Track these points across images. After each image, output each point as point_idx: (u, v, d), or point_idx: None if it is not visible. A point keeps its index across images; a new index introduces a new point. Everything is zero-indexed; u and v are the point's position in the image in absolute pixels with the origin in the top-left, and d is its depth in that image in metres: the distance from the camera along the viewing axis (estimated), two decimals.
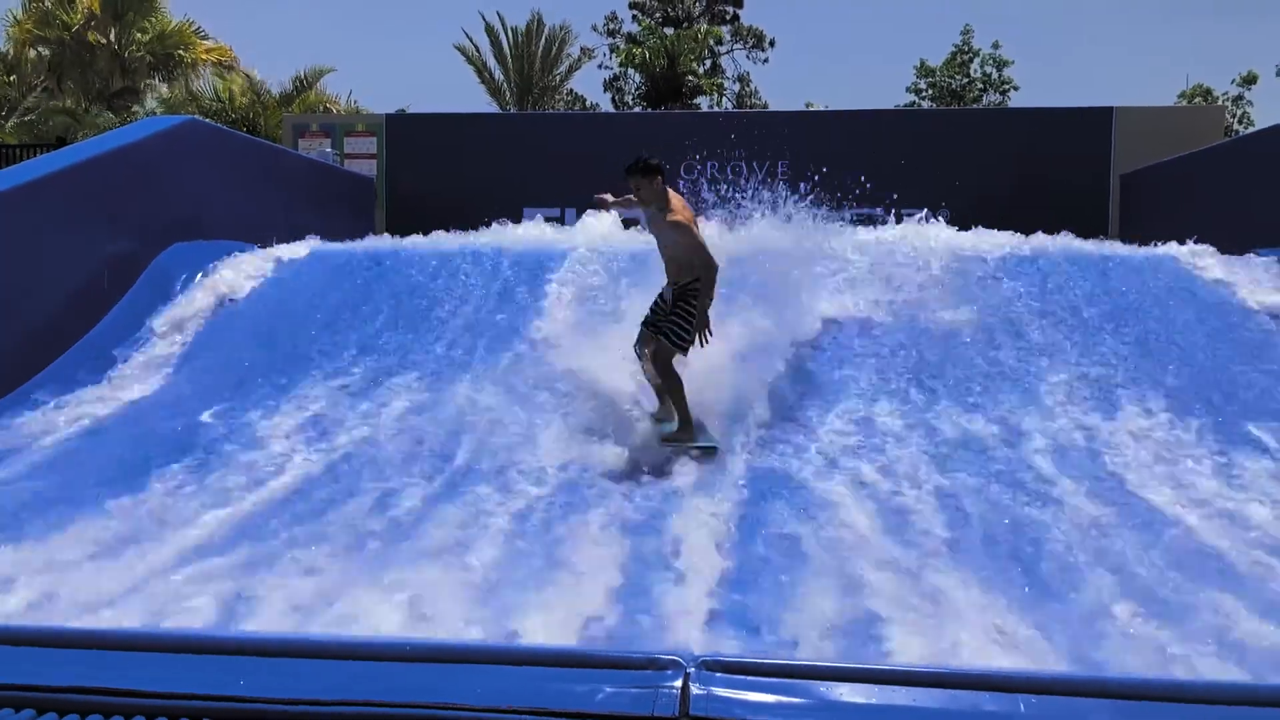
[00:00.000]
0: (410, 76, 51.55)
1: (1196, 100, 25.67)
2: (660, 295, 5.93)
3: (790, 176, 14.43)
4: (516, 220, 10.85)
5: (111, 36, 22.76)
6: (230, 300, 8.32)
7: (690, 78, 26.75)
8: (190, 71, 23.53)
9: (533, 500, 5.12)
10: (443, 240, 9.57)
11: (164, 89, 23.41)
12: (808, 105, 28.21)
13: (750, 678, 2.03)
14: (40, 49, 22.74)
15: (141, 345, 7.77)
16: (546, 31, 26.06)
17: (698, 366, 5.92)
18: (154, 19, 23.23)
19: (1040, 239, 8.56)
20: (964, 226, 9.51)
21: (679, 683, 1.99)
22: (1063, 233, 8.89)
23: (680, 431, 5.65)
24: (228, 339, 7.82)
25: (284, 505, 5.11)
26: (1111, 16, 48.98)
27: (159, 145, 9.28)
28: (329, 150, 14.76)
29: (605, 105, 29.05)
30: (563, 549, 4.42)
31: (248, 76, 23.13)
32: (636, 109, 27.35)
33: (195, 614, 3.72)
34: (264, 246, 9.19)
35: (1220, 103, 25.04)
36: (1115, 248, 8.64)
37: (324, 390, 6.94)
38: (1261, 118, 25.45)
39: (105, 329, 7.95)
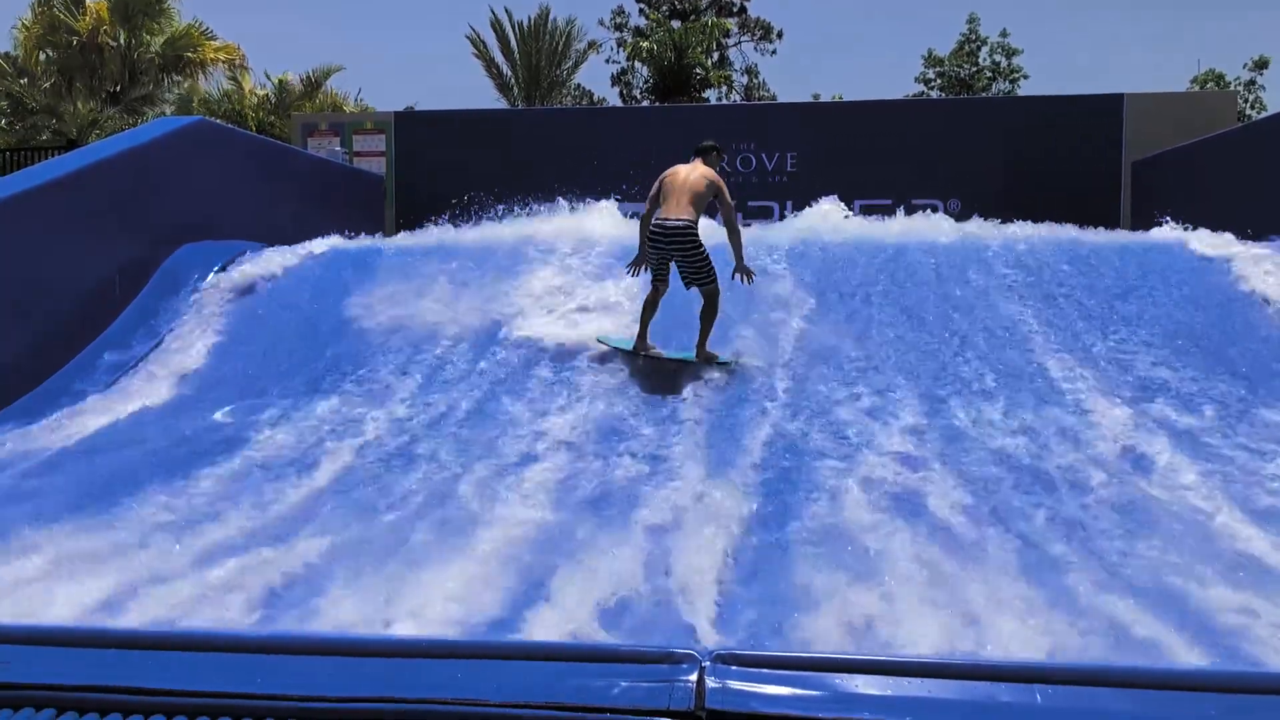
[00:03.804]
0: (418, 74, 51.61)
1: (1209, 86, 25.49)
2: (659, 255, 6.81)
3: (799, 168, 14.44)
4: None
5: (121, 40, 22.83)
6: (246, 296, 8.42)
7: (698, 71, 26.71)
8: (200, 72, 23.59)
9: (540, 490, 5.16)
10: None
11: (179, 89, 23.49)
12: (815, 97, 28.16)
13: (765, 670, 2.03)
14: (49, 51, 22.81)
15: (154, 346, 7.82)
16: (553, 26, 26.02)
17: None
18: (163, 21, 23.28)
19: None
20: (974, 216, 9.53)
21: (694, 676, 1.99)
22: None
23: (704, 352, 6.87)
24: (248, 338, 7.89)
25: (311, 502, 5.16)
26: (1120, 1, 48.67)
27: (169, 146, 9.32)
28: (338, 149, 14.81)
29: (613, 99, 29.04)
30: (570, 543, 4.45)
31: (281, 82, 23.29)
32: (645, 103, 27.31)
33: (220, 611, 3.75)
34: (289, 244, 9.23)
35: (1232, 88, 24.87)
36: None
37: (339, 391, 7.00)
38: (1274, 102, 25.42)
39: (117, 330, 8.00)
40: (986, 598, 3.69)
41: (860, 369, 6.80)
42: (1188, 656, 3.27)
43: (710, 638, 3.49)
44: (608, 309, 7.73)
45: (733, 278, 6.82)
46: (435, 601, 3.70)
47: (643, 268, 7.06)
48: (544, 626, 3.53)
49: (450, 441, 6.01)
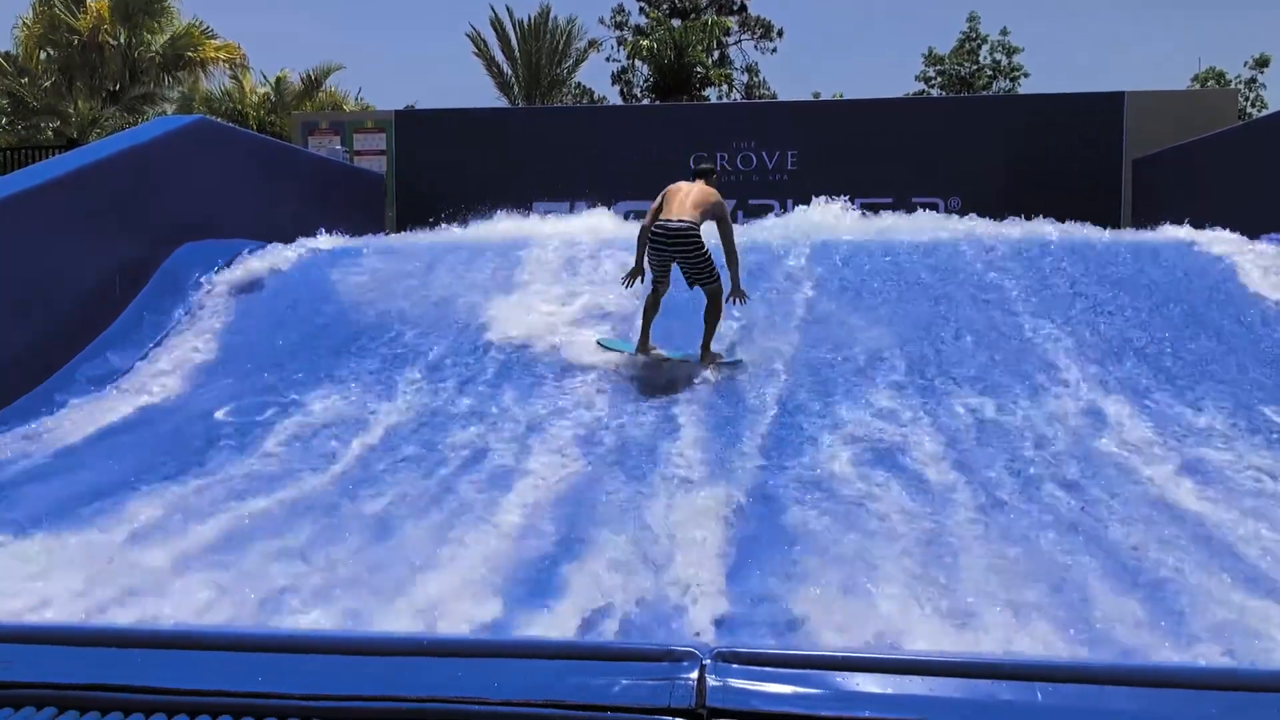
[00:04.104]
0: (418, 73, 51.59)
1: (1209, 84, 25.48)
2: (661, 258, 6.82)
3: (799, 166, 14.44)
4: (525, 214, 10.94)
5: (121, 39, 22.82)
6: (252, 289, 8.53)
7: (698, 69, 26.69)
8: (200, 71, 23.59)
9: (543, 485, 5.22)
10: None
11: (179, 90, 23.49)
12: (816, 95, 28.15)
13: (765, 669, 2.03)
14: (50, 50, 22.79)
15: (155, 345, 7.83)
16: (553, 24, 26.00)
17: None
18: (163, 20, 23.28)
19: None
20: (974, 214, 9.57)
21: (695, 674, 1.99)
22: None
23: (708, 353, 6.92)
24: (256, 327, 7.98)
25: (370, 458, 5.66)
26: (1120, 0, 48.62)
27: (169, 145, 9.31)
28: (339, 148, 14.80)
29: (613, 98, 29.01)
30: (575, 537, 4.47)
31: (279, 80, 23.37)
32: (645, 101, 27.30)
33: (227, 607, 3.77)
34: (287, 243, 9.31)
35: (1233, 86, 24.85)
36: None
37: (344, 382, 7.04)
38: (1275, 100, 25.41)
39: (117, 330, 8.01)
40: (951, 533, 4.38)
41: (851, 330, 7.25)
42: (1094, 581, 3.85)
43: (710, 635, 3.51)
44: (606, 284, 7.97)
45: (727, 300, 6.90)
46: (489, 540, 4.36)
47: (637, 279, 7.04)
48: (585, 556, 4.17)
49: (479, 403, 6.50)
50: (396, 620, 3.56)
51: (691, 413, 6.19)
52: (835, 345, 7.04)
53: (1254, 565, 3.98)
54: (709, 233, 6.93)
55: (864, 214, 10.16)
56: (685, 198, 6.80)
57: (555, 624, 3.57)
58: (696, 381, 6.66)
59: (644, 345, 6.99)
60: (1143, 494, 4.84)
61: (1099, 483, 4.98)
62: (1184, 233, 8.44)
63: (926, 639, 3.35)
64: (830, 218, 9.95)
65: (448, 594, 3.77)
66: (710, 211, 6.82)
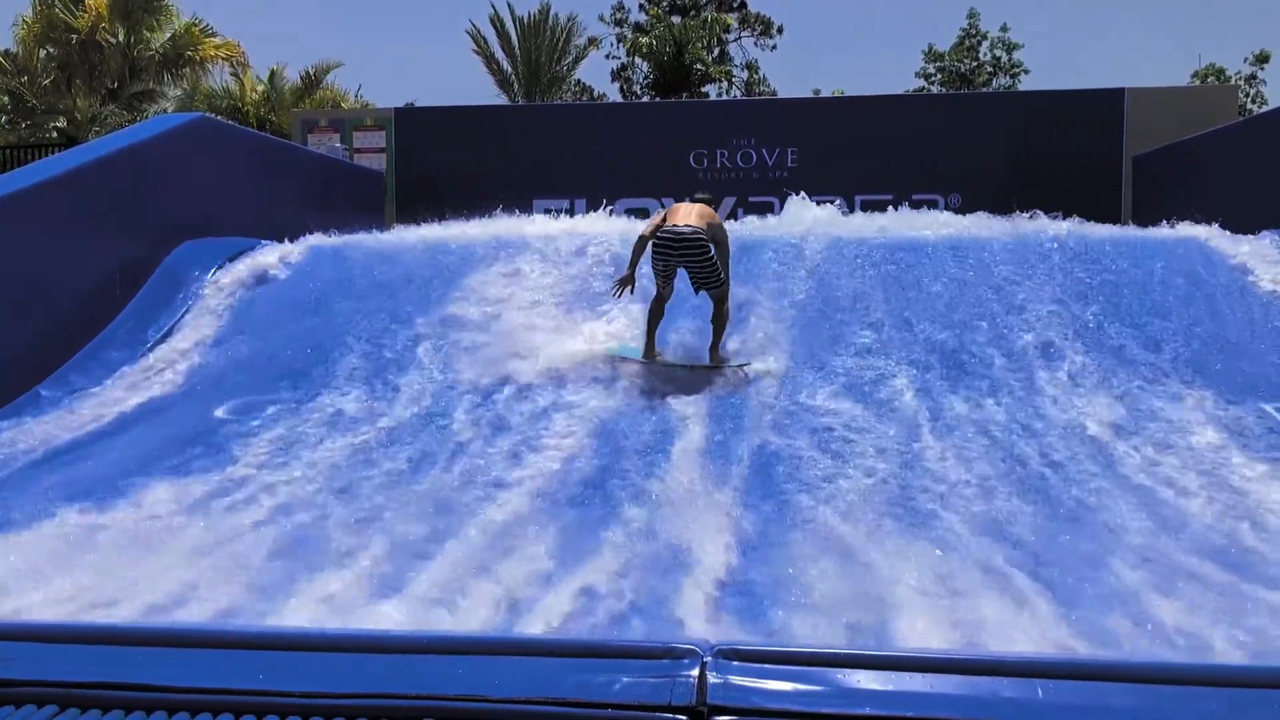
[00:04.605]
0: (418, 71, 51.57)
1: (1209, 80, 25.46)
2: (666, 263, 6.88)
3: (799, 164, 14.42)
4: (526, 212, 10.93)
5: (120, 37, 22.79)
6: (255, 285, 8.56)
7: (698, 66, 26.65)
8: (200, 69, 23.56)
9: (543, 480, 5.28)
10: None
11: (179, 90, 23.46)
12: (816, 92, 28.12)
13: (767, 666, 2.02)
14: (49, 49, 22.76)
15: (154, 343, 7.82)
16: (553, 22, 25.96)
17: None
18: (162, 18, 23.25)
19: None
20: (973, 211, 9.55)
21: (695, 672, 1.99)
22: None
23: (716, 356, 7.07)
24: (248, 329, 7.97)
25: (414, 417, 6.38)
26: None
27: (168, 143, 9.30)
28: (338, 145, 14.77)
29: (613, 95, 28.97)
30: (576, 536, 4.47)
31: (274, 74, 23.37)
32: (645, 98, 27.27)
33: (227, 606, 3.77)
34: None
35: (1233, 82, 24.84)
36: None
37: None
38: (1275, 97, 25.39)
39: (117, 327, 8.01)
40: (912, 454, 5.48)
41: (845, 290, 7.74)
42: (1007, 501, 4.84)
43: (711, 632, 3.51)
44: (608, 279, 7.96)
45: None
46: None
47: (628, 289, 6.98)
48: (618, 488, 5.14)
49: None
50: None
51: (694, 377, 6.76)
52: (828, 297, 7.65)
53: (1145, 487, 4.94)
54: None
55: (844, 210, 10.18)
56: (690, 210, 6.90)
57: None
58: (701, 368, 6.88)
59: (649, 351, 6.97)
60: (1078, 433, 5.68)
61: (1045, 422, 5.85)
62: (1167, 231, 8.56)
63: (892, 537, 4.33)
64: (812, 220, 9.86)
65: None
66: (713, 232, 6.88)
